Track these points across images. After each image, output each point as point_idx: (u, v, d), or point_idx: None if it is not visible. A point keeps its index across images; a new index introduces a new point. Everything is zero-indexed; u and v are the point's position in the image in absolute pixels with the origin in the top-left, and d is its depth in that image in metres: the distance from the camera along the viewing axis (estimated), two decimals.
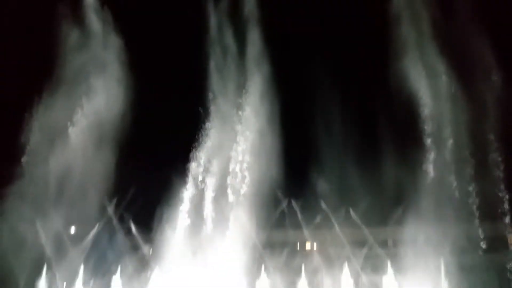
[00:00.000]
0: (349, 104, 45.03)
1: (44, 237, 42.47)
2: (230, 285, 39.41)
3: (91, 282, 43.59)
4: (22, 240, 40.63)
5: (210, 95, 47.22)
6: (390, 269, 40.30)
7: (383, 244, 41.84)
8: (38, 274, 41.79)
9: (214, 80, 47.88)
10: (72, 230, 47.22)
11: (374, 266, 42.31)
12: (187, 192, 45.32)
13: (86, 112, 46.79)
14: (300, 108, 50.34)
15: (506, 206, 39.28)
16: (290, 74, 50.38)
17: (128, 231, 47.40)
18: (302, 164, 47.45)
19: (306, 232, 45.72)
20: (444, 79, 41.82)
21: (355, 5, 53.01)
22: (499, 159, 39.18)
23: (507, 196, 38.54)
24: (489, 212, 39.12)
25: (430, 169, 41.05)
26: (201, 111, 46.79)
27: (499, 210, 39.39)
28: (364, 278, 42.05)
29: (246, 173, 45.18)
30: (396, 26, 43.93)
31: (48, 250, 42.36)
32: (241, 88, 47.67)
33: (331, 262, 44.43)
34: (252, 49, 48.04)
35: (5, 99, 46.69)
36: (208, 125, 46.67)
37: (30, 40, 49.60)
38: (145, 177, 47.47)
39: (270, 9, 49.02)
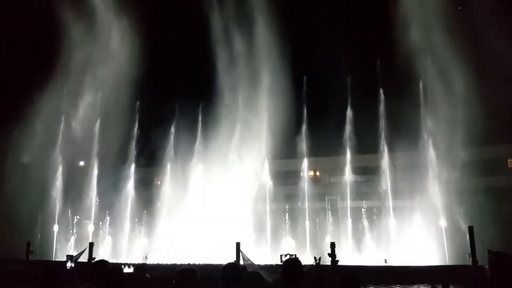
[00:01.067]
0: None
1: (55, 171, 44.79)
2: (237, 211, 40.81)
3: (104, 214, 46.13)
4: (32, 175, 42.62)
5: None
6: (389, 194, 41.31)
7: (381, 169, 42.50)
8: (48, 208, 44.41)
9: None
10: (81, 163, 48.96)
11: (374, 190, 43.24)
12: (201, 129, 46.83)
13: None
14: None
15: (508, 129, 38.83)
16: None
17: (139, 165, 49.00)
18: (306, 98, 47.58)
19: (309, 160, 46.51)
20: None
21: None
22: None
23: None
24: (490, 135, 38.58)
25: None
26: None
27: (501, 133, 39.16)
28: (364, 203, 43.38)
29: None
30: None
31: (59, 184, 44.77)
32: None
33: (334, 188, 45.86)
34: None
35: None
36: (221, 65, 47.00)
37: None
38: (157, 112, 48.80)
39: None
